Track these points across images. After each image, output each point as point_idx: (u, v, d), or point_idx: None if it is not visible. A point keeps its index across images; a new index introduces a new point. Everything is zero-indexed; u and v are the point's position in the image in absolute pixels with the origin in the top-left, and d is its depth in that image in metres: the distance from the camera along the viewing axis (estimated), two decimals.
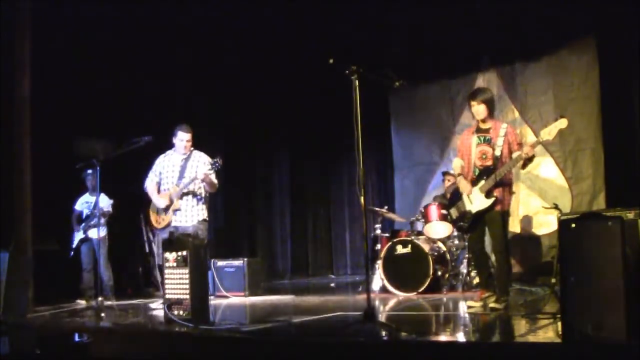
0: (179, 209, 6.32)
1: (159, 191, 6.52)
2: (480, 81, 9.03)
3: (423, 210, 7.64)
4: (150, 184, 6.57)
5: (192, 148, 6.51)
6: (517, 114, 8.76)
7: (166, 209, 6.37)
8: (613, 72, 7.75)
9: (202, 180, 6.26)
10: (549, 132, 5.06)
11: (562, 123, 5.03)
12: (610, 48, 7.77)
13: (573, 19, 7.96)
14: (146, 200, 6.73)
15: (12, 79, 6.53)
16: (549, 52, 8.50)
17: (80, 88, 8.32)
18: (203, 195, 6.43)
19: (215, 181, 6.37)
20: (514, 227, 8.51)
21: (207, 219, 6.48)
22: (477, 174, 5.35)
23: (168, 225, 6.36)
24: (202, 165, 6.29)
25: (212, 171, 6.18)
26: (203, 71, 9.52)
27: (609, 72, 7.84)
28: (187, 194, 6.34)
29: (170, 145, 6.58)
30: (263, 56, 9.63)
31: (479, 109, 5.36)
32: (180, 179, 6.35)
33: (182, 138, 6.44)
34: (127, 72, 8.54)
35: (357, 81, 4.55)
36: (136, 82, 8.67)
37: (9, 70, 6.51)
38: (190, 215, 6.35)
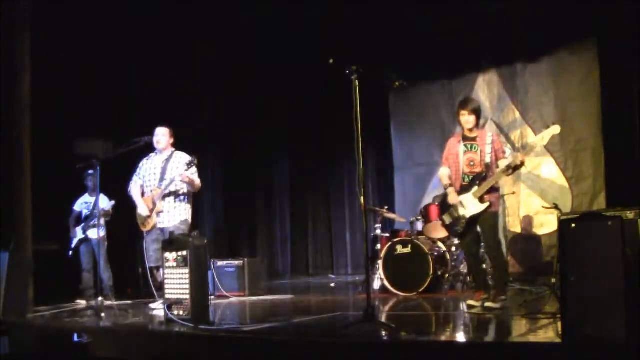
0: (162, 211, 6.32)
1: (143, 194, 6.51)
2: (481, 81, 9.03)
3: (423, 210, 7.65)
4: (134, 187, 6.56)
5: (173, 149, 6.51)
6: (517, 114, 8.76)
7: (150, 212, 6.37)
8: (613, 72, 7.75)
9: (181, 181, 6.25)
10: (542, 139, 5.23)
11: (555, 129, 5.18)
12: (611, 48, 7.77)
13: (573, 19, 7.96)
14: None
15: (12, 78, 6.53)
16: (549, 52, 8.50)
17: (80, 88, 8.31)
18: (186, 195, 6.41)
19: (197, 181, 6.35)
20: (515, 227, 8.52)
21: (190, 219, 6.44)
22: (467, 180, 5.44)
23: (154, 227, 6.36)
24: (180, 166, 6.25)
25: (188, 171, 6.17)
26: (203, 72, 9.52)
27: (609, 72, 7.84)
28: (168, 195, 6.32)
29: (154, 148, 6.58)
30: (262, 56, 9.63)
31: (470, 119, 5.46)
32: (162, 181, 6.33)
33: (157, 133, 6.43)
34: (128, 73, 8.54)
35: (357, 81, 4.55)
36: (136, 83, 8.67)
37: (9, 70, 6.51)
38: (172, 216, 6.34)
